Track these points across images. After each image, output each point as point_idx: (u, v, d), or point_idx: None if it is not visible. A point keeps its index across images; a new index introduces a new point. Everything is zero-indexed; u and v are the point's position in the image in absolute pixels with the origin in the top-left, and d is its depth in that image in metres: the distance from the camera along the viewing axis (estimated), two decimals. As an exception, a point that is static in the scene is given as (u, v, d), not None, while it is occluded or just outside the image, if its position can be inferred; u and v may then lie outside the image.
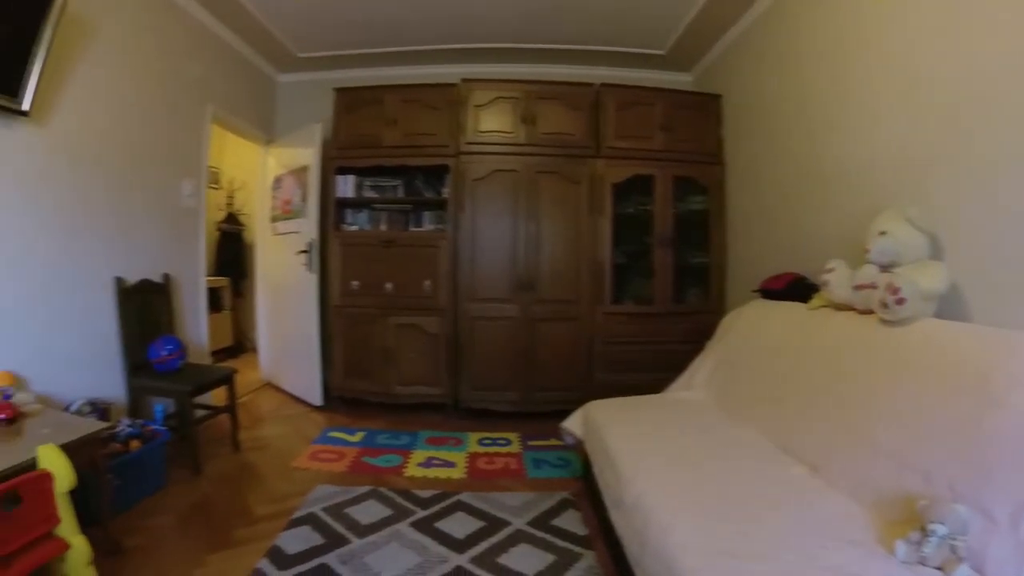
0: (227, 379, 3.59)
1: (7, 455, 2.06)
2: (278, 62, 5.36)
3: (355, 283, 4.56)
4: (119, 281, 3.41)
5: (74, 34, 3.01)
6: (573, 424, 3.16)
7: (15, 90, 2.61)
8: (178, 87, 4.04)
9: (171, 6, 3.92)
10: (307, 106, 5.38)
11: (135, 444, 2.95)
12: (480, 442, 3.91)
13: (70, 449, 2.12)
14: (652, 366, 4.22)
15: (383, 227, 4.69)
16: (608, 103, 4.44)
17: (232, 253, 6.93)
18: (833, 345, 2.41)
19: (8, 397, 2.55)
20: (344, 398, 4.67)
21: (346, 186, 4.62)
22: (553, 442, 3.77)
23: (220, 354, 6.54)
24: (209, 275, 6.96)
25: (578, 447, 3.19)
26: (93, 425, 2.47)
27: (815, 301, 2.72)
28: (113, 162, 3.43)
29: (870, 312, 2.27)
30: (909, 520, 1.58)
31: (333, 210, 4.63)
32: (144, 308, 3.59)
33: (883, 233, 2.26)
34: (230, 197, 7.14)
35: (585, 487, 3.07)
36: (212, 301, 6.75)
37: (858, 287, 2.35)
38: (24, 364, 2.81)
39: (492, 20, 4.42)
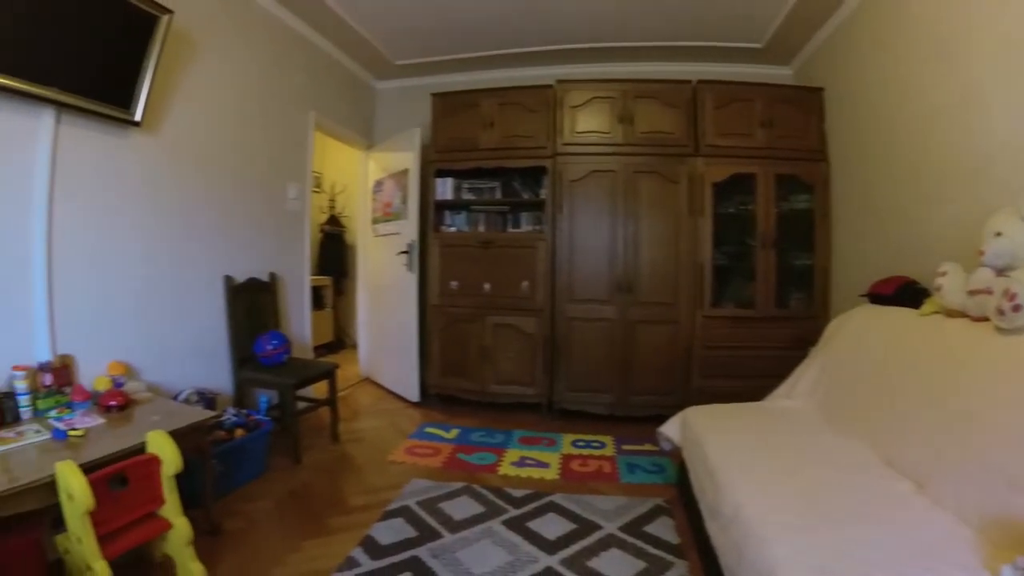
0: (329, 374, 3.75)
1: (118, 439, 2.23)
2: (376, 70, 5.56)
3: (454, 283, 4.65)
4: (228, 279, 3.64)
5: (180, 49, 3.22)
6: (670, 429, 3.09)
7: (127, 103, 2.82)
8: (281, 96, 4.27)
9: (272, 19, 4.13)
10: (404, 112, 5.59)
11: (239, 432, 3.13)
12: (574, 444, 3.89)
13: (177, 436, 2.25)
14: (752, 372, 4.06)
15: (481, 228, 4.76)
16: (706, 100, 4.30)
17: (334, 253, 7.24)
18: (945, 355, 2.21)
19: (120, 385, 2.75)
20: (440, 395, 4.78)
21: (445, 188, 4.72)
22: (648, 447, 3.73)
23: (321, 350, 6.84)
24: (312, 274, 7.41)
25: (674, 453, 3.13)
26: (200, 414, 2.64)
27: (926, 307, 2.52)
28: (221, 168, 3.67)
29: (985, 319, 2.07)
30: (1018, 545, 1.46)
31: (432, 212, 4.74)
32: (251, 305, 3.81)
33: (999, 234, 2.05)
34: (332, 200, 7.47)
35: (680, 494, 3.00)
36: (315, 299, 7.07)
37: (972, 292, 2.16)
38: (138, 355, 3.03)
39: (585, 20, 4.39)
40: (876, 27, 3.56)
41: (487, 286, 4.56)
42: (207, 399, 3.19)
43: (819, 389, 3.00)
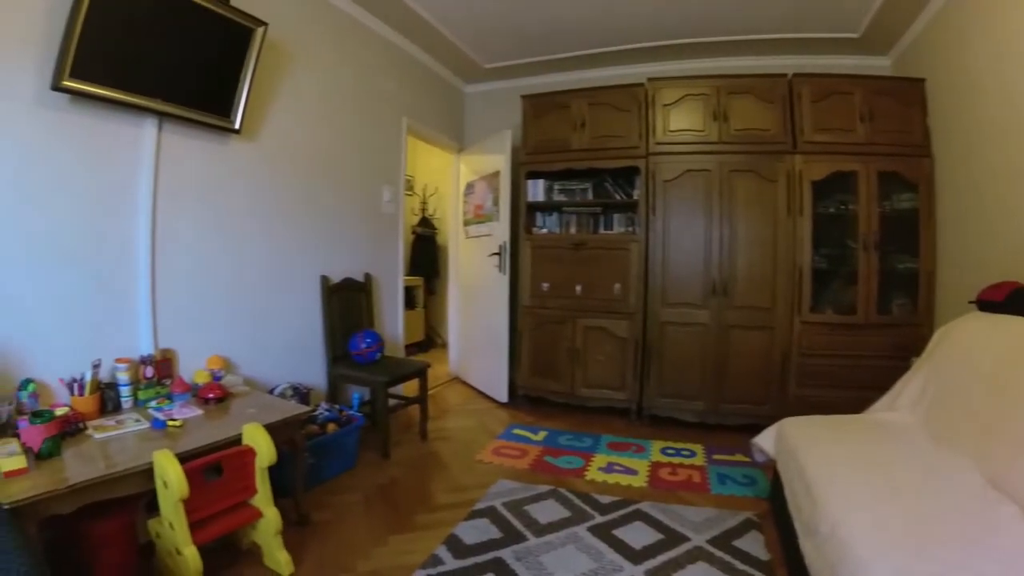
0: (420, 372, 3.85)
1: (215, 430, 2.34)
2: (465, 74, 5.65)
3: (545, 285, 4.66)
4: (324, 279, 3.79)
5: (275, 59, 3.37)
6: (765, 441, 2.94)
7: (227, 111, 2.99)
8: (374, 102, 4.40)
9: (363, 28, 4.26)
10: (494, 114, 5.68)
11: (331, 427, 3.25)
12: (663, 451, 3.79)
13: (271, 429, 2.33)
14: (851, 382, 3.85)
15: (572, 230, 4.74)
16: (802, 94, 4.08)
17: (425, 254, 7.41)
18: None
19: (219, 379, 2.90)
20: (529, 396, 4.79)
21: (536, 190, 4.73)
22: (739, 458, 3.60)
23: (411, 348, 7.00)
24: (404, 275, 7.61)
25: (767, 466, 2.99)
26: (294, 408, 2.72)
27: (1042, 316, 2.26)
28: (318, 172, 3.82)
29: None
30: None
31: (524, 214, 4.77)
32: (346, 304, 3.94)
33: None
34: (423, 202, 7.65)
35: (772, 509, 2.86)
36: (407, 299, 7.24)
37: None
38: (236, 350, 3.20)
39: (675, 15, 4.27)
40: (982, 12, 3.26)
41: (578, 288, 4.53)
42: (301, 394, 3.32)
43: (923, 402, 2.76)
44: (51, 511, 1.74)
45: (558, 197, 4.77)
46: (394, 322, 4.71)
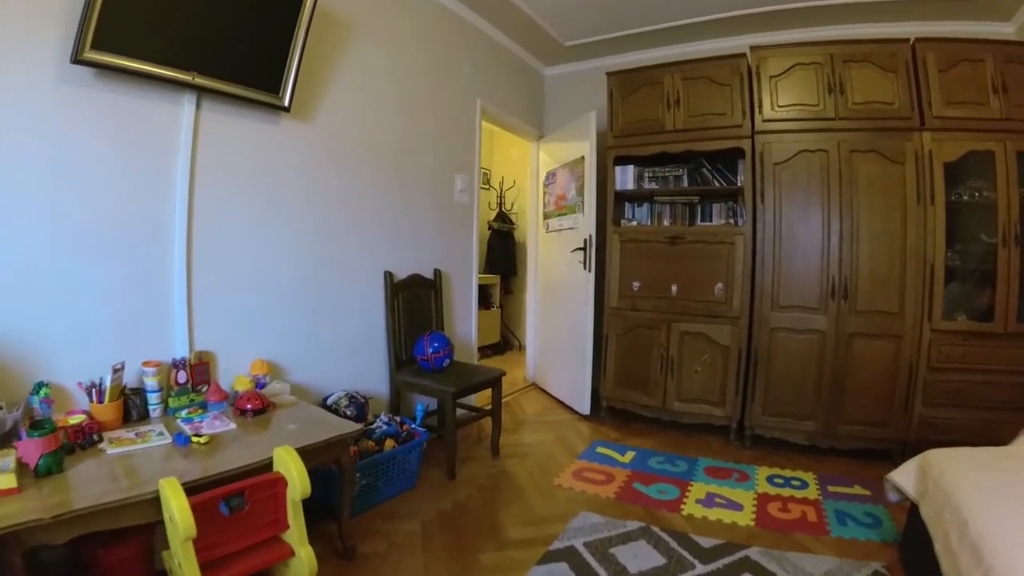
0: (494, 382, 3.45)
1: (244, 450, 2.02)
2: (544, 55, 5.21)
3: (636, 284, 4.17)
4: (388, 275, 3.46)
5: (333, 33, 3.09)
6: (904, 478, 2.36)
7: (275, 86, 2.67)
8: (446, 84, 4.04)
9: (433, 4, 3.90)
10: (576, 97, 5.21)
11: (389, 443, 2.88)
12: (770, 480, 3.24)
13: (312, 451, 2.02)
14: (987, 401, 3.28)
15: (666, 222, 4.21)
16: (927, 61, 3.42)
17: (502, 251, 7.03)
18: None
19: (262, 386, 2.60)
20: (614, 409, 4.31)
21: (625, 177, 4.24)
22: (858, 490, 3.08)
23: (486, 350, 6.68)
24: (482, 272, 7.20)
25: (899, 505, 2.47)
26: (341, 427, 2.34)
27: None
28: (383, 157, 3.49)
29: None
30: None
31: (611, 204, 4.28)
32: (413, 303, 3.60)
33: None
34: (500, 196, 7.29)
35: (904, 559, 2.33)
36: (481, 298, 6.89)
37: None
38: (286, 353, 2.91)
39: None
40: None
41: (674, 288, 4.01)
42: (358, 404, 2.99)
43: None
44: (38, 540, 1.45)
45: (649, 185, 4.26)
46: (466, 323, 4.35)
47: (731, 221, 4.01)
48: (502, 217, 7.14)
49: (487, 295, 6.94)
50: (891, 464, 3.08)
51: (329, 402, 2.97)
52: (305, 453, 1.96)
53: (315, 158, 3.05)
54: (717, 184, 4.06)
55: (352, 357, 3.30)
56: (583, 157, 4.38)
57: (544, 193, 5.18)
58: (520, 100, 5.08)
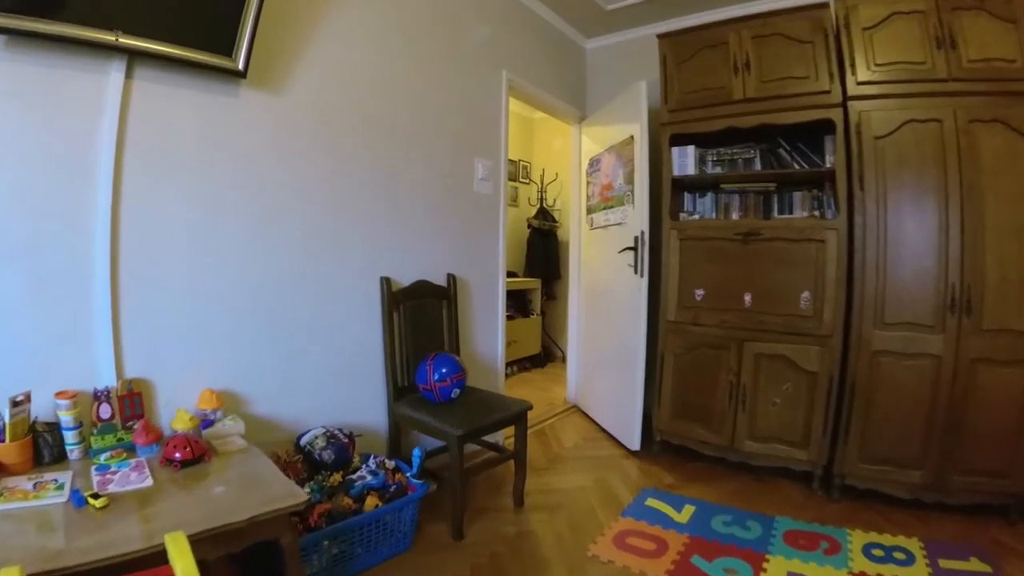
0: (517, 419, 2.75)
1: (140, 527, 1.43)
2: (583, 24, 4.47)
3: (699, 292, 3.41)
4: (386, 282, 2.81)
5: None
6: None
7: (227, 48, 2.09)
8: (462, 50, 3.38)
9: None
10: (623, 74, 4.41)
11: (372, 502, 2.22)
12: (866, 551, 2.46)
13: (227, 535, 1.45)
14: None
15: (735, 215, 3.45)
16: None
17: (543, 252, 6.36)
18: None
19: (208, 425, 2.03)
20: (669, 444, 3.57)
21: (684, 161, 3.48)
22: (976, 565, 2.32)
23: (524, 363, 6.04)
24: (521, 276, 6.56)
25: None
26: (278, 497, 1.64)
27: None
28: (378, 137, 2.84)
29: None
30: None
31: (668, 194, 3.53)
32: (418, 315, 2.95)
33: None
34: (541, 191, 6.62)
35: None
36: (520, 305, 6.30)
37: None
38: (249, 380, 2.32)
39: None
40: None
41: (747, 297, 3.23)
42: (338, 445, 2.36)
43: None
44: None
45: (713, 170, 3.50)
46: (490, 339, 3.67)
47: (816, 213, 3.22)
48: (543, 214, 6.44)
49: (526, 301, 6.28)
50: (1008, 524, 2.70)
51: (303, 442, 2.35)
52: (219, 536, 1.39)
53: (287, 138, 2.44)
54: (799, 167, 3.27)
55: (338, 384, 2.68)
56: (632, 137, 3.63)
57: (587, 183, 4.45)
58: (557, 76, 4.35)
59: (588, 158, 4.43)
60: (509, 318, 5.72)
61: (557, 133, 6.44)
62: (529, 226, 6.36)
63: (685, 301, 3.46)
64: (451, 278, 3.16)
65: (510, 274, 6.17)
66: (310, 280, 2.54)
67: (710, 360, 3.35)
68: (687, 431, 3.48)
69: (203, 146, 2.16)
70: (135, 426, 1.91)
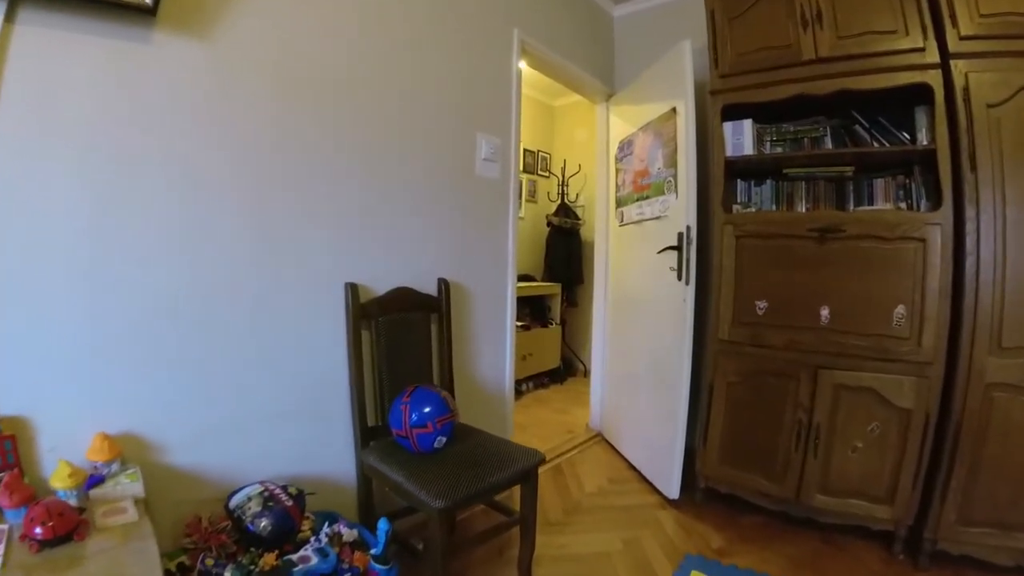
0: (524, 477, 2.04)
1: None
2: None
3: (761, 304, 2.71)
4: (352, 291, 2.17)
5: None
6: None
7: None
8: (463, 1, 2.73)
9: None
10: (656, 43, 3.62)
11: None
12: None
13: None
14: None
15: (803, 207, 2.76)
16: None
17: (565, 253, 5.69)
18: None
19: (95, 482, 1.47)
20: (717, 492, 2.89)
21: (740, 138, 2.80)
22: None
23: (541, 378, 5.39)
24: (539, 280, 5.84)
25: None
26: None
27: None
28: (353, 106, 2.22)
29: None
30: None
31: (721, 180, 2.83)
32: (398, 333, 2.30)
33: None
34: (563, 184, 5.98)
35: None
36: (537, 313, 5.63)
37: None
38: (165, 421, 1.75)
39: None
40: None
41: (824, 312, 2.53)
42: (279, 511, 1.71)
43: None
44: None
45: (773, 150, 2.83)
46: (496, 358, 3.01)
47: (902, 205, 2.54)
48: (564, 210, 5.78)
49: (544, 308, 5.64)
50: None
51: (233, 504, 1.74)
52: None
53: (223, 103, 1.83)
54: (884, 145, 2.58)
55: (290, 425, 2.06)
56: (674, 110, 2.96)
57: (616, 170, 3.79)
58: (580, 45, 3.68)
59: (618, 141, 3.77)
60: (524, 328, 5.10)
61: (581, 121, 5.83)
62: (548, 224, 5.70)
63: (743, 315, 2.76)
64: (443, 285, 2.52)
65: (526, 278, 5.58)
66: (252, 292, 1.93)
67: (774, 391, 2.66)
68: (740, 479, 2.79)
69: (102, 111, 1.57)
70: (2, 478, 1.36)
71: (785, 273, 2.62)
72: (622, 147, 3.66)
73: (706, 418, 2.87)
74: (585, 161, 5.75)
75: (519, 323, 5.17)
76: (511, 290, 3.06)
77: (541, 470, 3.25)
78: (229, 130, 1.84)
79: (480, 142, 2.80)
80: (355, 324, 2.16)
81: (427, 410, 2.00)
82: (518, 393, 5.04)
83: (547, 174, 6.18)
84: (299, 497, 1.84)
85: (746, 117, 2.80)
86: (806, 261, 2.56)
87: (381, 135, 2.31)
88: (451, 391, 2.49)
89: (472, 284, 2.79)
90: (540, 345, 5.33)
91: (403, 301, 2.33)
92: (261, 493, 1.78)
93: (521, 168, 5.82)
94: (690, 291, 2.85)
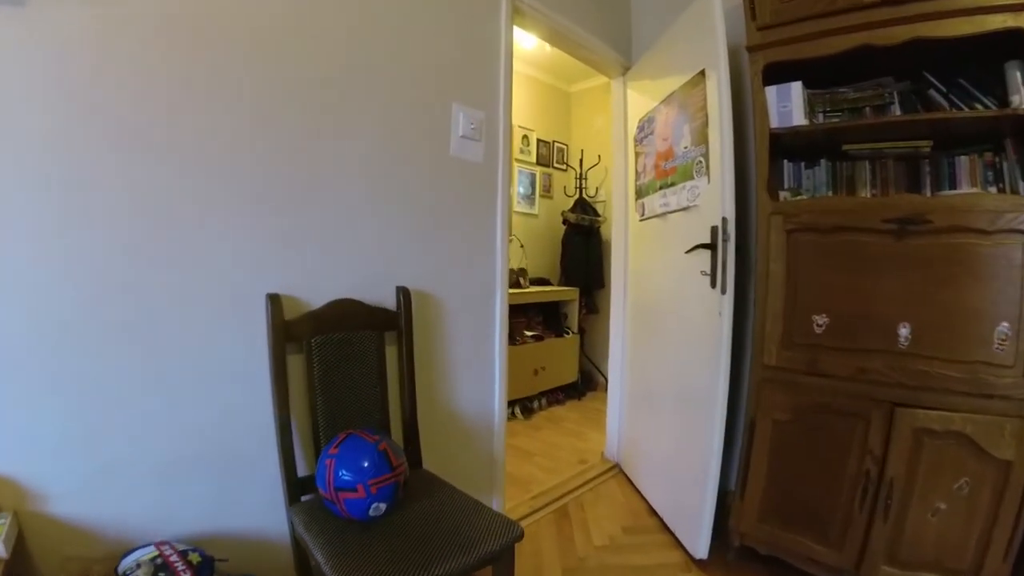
0: (496, 558, 1.48)
1: None
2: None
3: (820, 319, 2.09)
4: (274, 304, 1.65)
5: None
6: None
7: None
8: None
9: None
10: (683, 4, 3.00)
11: None
12: None
13: None
14: None
15: (868, 192, 2.18)
16: None
17: (583, 253, 5.14)
18: None
19: None
20: (754, 553, 2.29)
21: (787, 105, 2.19)
22: None
23: (557, 393, 4.85)
24: (556, 284, 5.32)
25: None
26: None
27: None
28: (283, 66, 1.70)
29: None
30: None
31: (764, 157, 2.23)
32: (338, 357, 1.77)
33: None
34: (580, 178, 5.41)
35: None
36: (551, 321, 5.08)
37: None
38: (43, 462, 1.34)
39: None
40: None
41: (903, 331, 1.90)
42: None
43: None
44: None
45: (829, 119, 2.24)
46: (481, 385, 2.45)
47: (992, 189, 1.98)
48: (582, 206, 5.22)
49: (559, 316, 5.10)
50: None
51: (121, 569, 1.31)
52: None
53: (93, 56, 1.34)
54: (970, 110, 1.99)
55: (198, 470, 1.57)
56: (703, 73, 2.37)
57: (636, 156, 3.22)
58: (591, 4, 3.09)
59: (636, 121, 3.22)
60: (537, 339, 4.58)
61: (600, 107, 5.29)
62: (565, 221, 5.16)
63: (796, 334, 2.15)
64: (403, 295, 1.97)
65: (541, 281, 5.06)
66: (147, 307, 1.45)
67: (834, 434, 2.05)
68: (786, 540, 2.19)
69: None
70: None
71: (851, 278, 2.01)
72: (642, 126, 3.09)
73: (745, 462, 2.27)
74: (605, 152, 5.17)
75: (530, 333, 4.65)
76: (501, 300, 2.50)
77: (542, 514, 2.76)
78: (109, 97, 1.36)
79: (457, 115, 2.23)
80: (278, 347, 1.65)
81: (361, 466, 1.47)
82: (528, 412, 4.52)
83: (564, 167, 5.64)
84: (203, 567, 1.36)
85: (794, 79, 2.23)
86: (879, 262, 1.95)
87: (315, 102, 1.79)
88: (412, 431, 1.96)
89: (446, 293, 2.24)
90: (554, 357, 4.79)
91: (347, 316, 1.80)
92: (153, 559, 1.32)
93: (535, 160, 5.33)
94: (727, 301, 2.22)
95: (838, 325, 2.04)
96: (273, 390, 1.65)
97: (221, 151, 1.57)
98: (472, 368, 2.38)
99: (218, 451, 1.62)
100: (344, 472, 1.47)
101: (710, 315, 2.32)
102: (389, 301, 1.97)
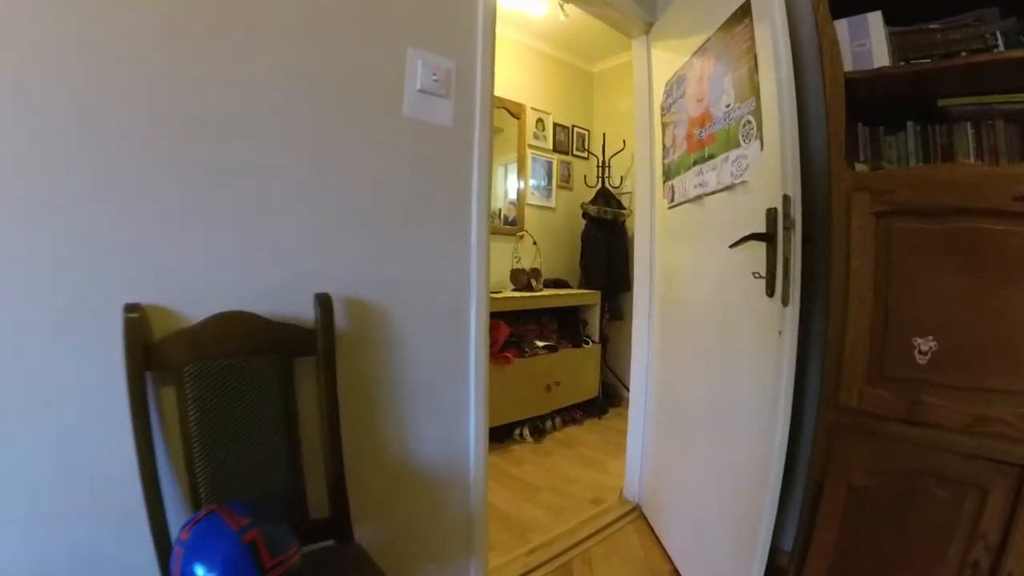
0: None
1: None
2: None
3: (924, 343, 1.46)
4: (135, 318, 1.15)
5: None
6: None
7: None
8: None
9: None
10: None
11: None
12: None
13: None
14: None
15: (969, 158, 1.63)
16: None
17: (605, 251, 4.59)
18: None
19: None
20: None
21: (863, 41, 1.63)
22: None
23: (574, 411, 4.32)
24: (575, 287, 4.75)
25: None
26: None
27: None
28: None
29: None
30: None
31: (839, 115, 1.64)
32: (224, 391, 1.24)
33: None
34: (603, 166, 4.86)
35: None
36: (569, 329, 4.51)
37: None
38: None
39: None
40: None
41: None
42: None
43: None
44: None
45: (921, 60, 1.64)
46: (450, 424, 1.86)
47: None
48: (604, 197, 4.67)
49: (578, 323, 4.56)
50: None
51: None
52: None
53: None
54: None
55: (61, 526, 1.11)
56: (746, 5, 1.81)
57: (663, 128, 2.66)
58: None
59: (663, 87, 2.65)
60: (550, 349, 4.04)
61: (624, 88, 4.68)
62: (585, 215, 4.61)
63: (888, 364, 1.54)
64: (324, 304, 1.44)
65: (558, 283, 4.53)
66: None
67: (934, 507, 1.44)
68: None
69: None
70: None
71: (972, 283, 1.40)
72: (669, 90, 2.51)
73: (806, 534, 1.68)
74: (631, 137, 4.58)
75: (542, 343, 4.11)
76: (477, 310, 1.92)
77: (539, 574, 2.23)
78: None
79: (415, 62, 1.68)
80: (137, 378, 1.14)
81: (213, 562, 0.98)
82: (539, 433, 3.97)
83: (585, 154, 5.08)
84: None
85: (870, 10, 1.67)
86: (1011, 260, 1.36)
87: (221, 46, 1.28)
88: (339, 492, 1.43)
89: (399, 302, 1.69)
90: (571, 370, 4.24)
91: (237, 336, 1.29)
92: None
93: (551, 147, 4.81)
94: (790, 316, 1.62)
95: (950, 353, 1.43)
96: (135, 437, 1.16)
97: (63, 120, 1.07)
98: (437, 398, 1.82)
99: (72, 504, 1.11)
100: (198, 567, 0.97)
101: (764, 332, 1.74)
102: (305, 312, 1.44)
